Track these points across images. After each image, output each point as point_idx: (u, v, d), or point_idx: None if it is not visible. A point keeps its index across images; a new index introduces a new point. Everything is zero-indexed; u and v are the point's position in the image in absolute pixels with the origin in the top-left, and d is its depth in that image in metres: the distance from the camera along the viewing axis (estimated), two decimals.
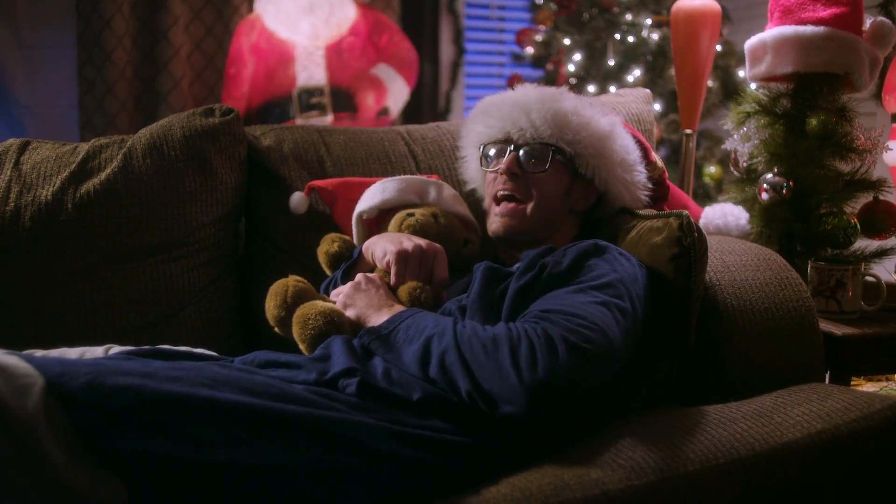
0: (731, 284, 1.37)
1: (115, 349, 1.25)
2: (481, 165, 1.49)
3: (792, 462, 1.11)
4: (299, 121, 2.92)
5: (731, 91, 3.15)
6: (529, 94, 1.45)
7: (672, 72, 3.05)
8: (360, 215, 1.48)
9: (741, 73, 3.19)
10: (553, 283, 1.18)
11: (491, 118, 1.45)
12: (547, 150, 1.40)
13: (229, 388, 0.96)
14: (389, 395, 1.06)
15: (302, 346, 1.21)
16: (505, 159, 1.41)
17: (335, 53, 2.99)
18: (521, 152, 1.41)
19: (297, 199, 1.57)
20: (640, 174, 1.49)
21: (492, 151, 1.46)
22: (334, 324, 1.19)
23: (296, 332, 1.21)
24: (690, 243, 1.26)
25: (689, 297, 1.27)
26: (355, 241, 1.50)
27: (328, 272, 1.48)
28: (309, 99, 2.95)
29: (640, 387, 1.28)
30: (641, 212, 1.45)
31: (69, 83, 2.99)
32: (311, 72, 2.95)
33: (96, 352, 1.25)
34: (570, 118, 1.41)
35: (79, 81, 2.95)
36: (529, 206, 1.40)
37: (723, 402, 1.24)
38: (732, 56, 3.21)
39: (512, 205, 1.40)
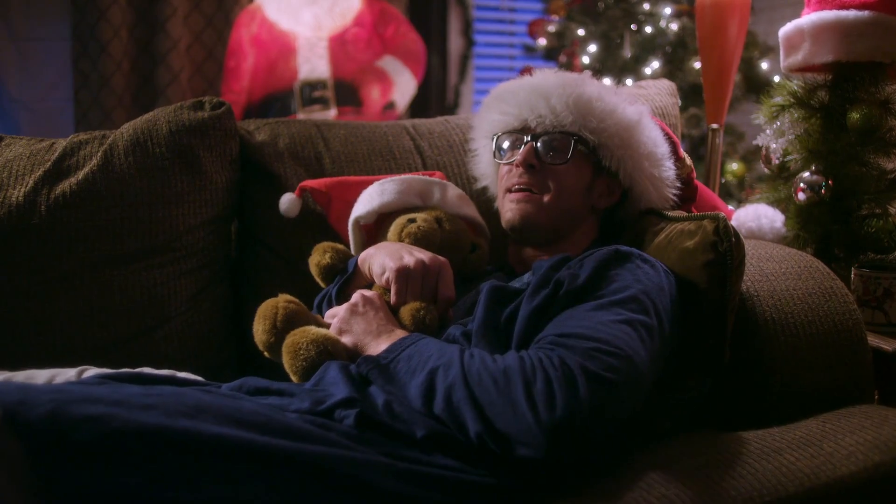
0: (771, 295, 1.27)
1: (91, 371, 1.17)
2: (494, 158, 1.38)
3: (847, 500, 1.01)
4: (301, 115, 2.88)
5: (753, 84, 3.04)
6: (549, 78, 1.34)
7: (693, 64, 2.95)
8: (356, 221, 1.37)
9: (764, 66, 3.08)
10: (571, 301, 1.08)
11: (506, 105, 1.34)
12: (568, 140, 1.29)
13: (212, 418, 0.87)
14: (391, 430, 0.96)
15: (293, 378, 1.12)
16: (521, 150, 1.30)
17: (339, 45, 2.93)
18: (540, 142, 1.30)
19: (288, 201, 1.47)
20: (669, 170, 1.39)
21: (506, 143, 1.35)
22: (328, 353, 1.11)
23: (286, 362, 1.12)
24: (726, 249, 1.17)
25: (724, 308, 1.17)
26: (352, 248, 1.40)
27: (322, 284, 1.38)
28: (311, 92, 2.89)
29: (667, 407, 1.17)
30: (670, 213, 1.34)
31: (64, 77, 2.93)
32: (313, 64, 2.89)
33: (69, 374, 1.16)
34: (594, 104, 1.30)
35: (74, 75, 2.89)
36: (547, 197, 1.29)
37: (762, 426, 1.14)
38: (755, 47, 3.10)
39: (528, 193, 1.30)
